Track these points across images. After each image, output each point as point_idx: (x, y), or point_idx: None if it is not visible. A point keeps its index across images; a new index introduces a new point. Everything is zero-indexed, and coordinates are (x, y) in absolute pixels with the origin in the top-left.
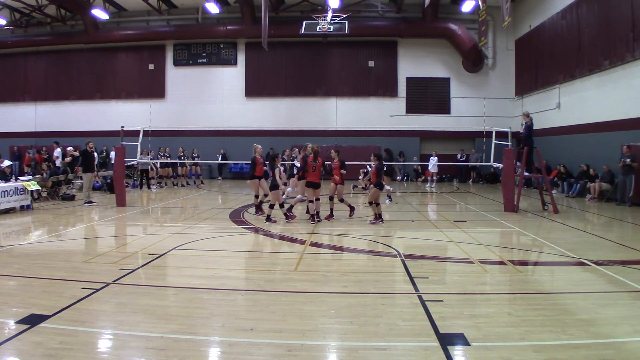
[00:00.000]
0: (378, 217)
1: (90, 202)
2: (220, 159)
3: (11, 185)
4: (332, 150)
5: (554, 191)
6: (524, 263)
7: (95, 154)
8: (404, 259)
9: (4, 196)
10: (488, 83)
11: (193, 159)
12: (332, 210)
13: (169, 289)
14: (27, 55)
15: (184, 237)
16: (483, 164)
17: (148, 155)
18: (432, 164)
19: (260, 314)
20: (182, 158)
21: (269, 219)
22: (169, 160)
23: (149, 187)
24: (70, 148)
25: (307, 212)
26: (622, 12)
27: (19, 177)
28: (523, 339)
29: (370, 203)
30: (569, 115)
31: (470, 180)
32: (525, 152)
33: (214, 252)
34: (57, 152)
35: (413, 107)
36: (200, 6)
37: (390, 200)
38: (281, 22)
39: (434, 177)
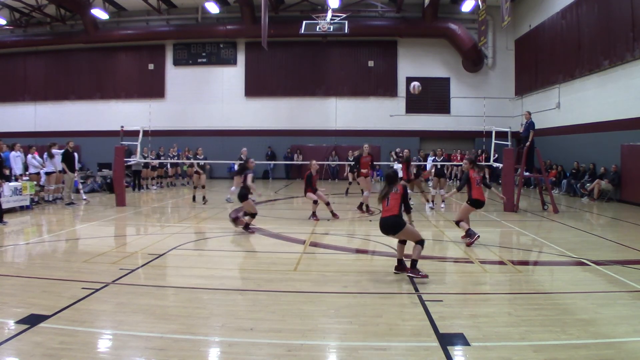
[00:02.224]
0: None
1: (71, 203)
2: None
3: (11, 185)
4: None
5: (554, 191)
6: (524, 263)
7: (76, 154)
8: (404, 259)
9: (4, 196)
10: (488, 83)
11: (188, 159)
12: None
13: (169, 289)
14: (26, 55)
15: (183, 237)
16: (483, 163)
17: (143, 155)
18: (431, 164)
19: (260, 314)
20: (177, 158)
21: (247, 227)
22: (165, 160)
23: (139, 189)
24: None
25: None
26: (622, 12)
27: None
28: (523, 339)
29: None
30: (568, 115)
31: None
32: (525, 151)
33: (214, 252)
34: (55, 153)
35: (413, 107)
36: (200, 6)
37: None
38: (281, 22)
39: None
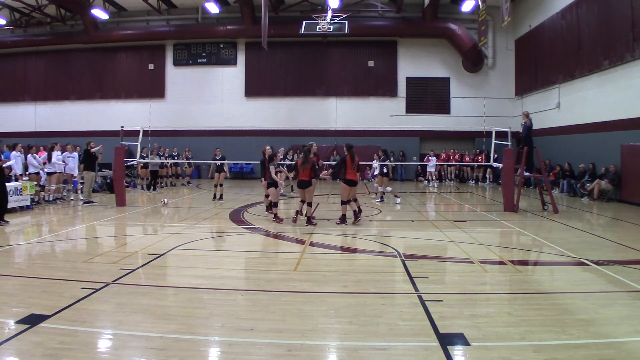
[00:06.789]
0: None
1: (91, 202)
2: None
3: (11, 185)
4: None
5: (554, 191)
6: (524, 263)
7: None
8: (404, 259)
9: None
10: (488, 83)
11: (187, 159)
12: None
13: (169, 289)
14: (27, 55)
15: (183, 237)
16: (482, 164)
17: (158, 155)
18: (431, 164)
19: (260, 314)
20: (176, 158)
21: (276, 217)
22: (166, 160)
23: (154, 189)
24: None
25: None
26: (622, 12)
27: None
28: (523, 339)
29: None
30: (568, 115)
31: (473, 181)
32: (525, 152)
33: (214, 252)
34: (56, 155)
35: (413, 107)
36: (200, 6)
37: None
38: (281, 22)
39: (434, 177)
